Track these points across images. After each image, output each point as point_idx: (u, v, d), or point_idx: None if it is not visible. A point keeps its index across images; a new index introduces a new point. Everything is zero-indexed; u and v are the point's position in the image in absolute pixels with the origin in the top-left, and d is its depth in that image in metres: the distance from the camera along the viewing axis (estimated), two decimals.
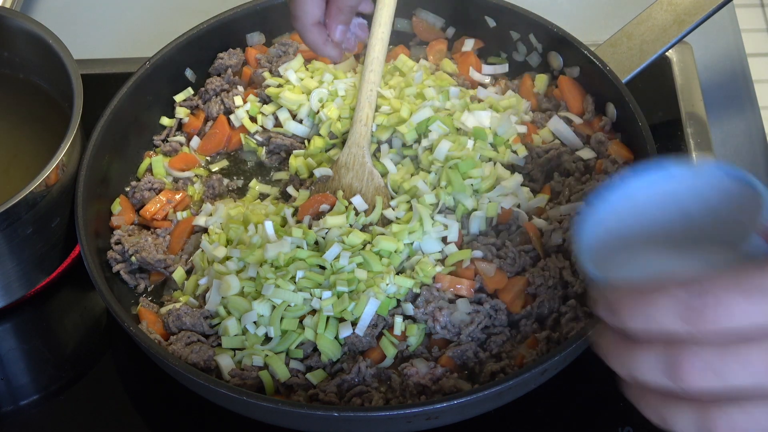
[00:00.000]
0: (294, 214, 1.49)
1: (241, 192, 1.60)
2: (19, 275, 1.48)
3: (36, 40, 1.55)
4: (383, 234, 1.42)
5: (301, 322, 1.37)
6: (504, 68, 1.67)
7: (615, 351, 0.75)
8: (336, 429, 1.31)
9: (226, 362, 1.36)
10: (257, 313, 1.36)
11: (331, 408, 1.27)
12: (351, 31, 1.49)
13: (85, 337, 1.53)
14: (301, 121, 1.62)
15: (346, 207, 1.47)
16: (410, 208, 1.46)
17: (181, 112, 1.66)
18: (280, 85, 1.64)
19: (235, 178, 1.62)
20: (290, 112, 1.63)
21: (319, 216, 1.47)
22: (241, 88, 1.68)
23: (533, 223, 1.46)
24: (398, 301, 1.39)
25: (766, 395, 0.67)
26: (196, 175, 1.61)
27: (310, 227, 1.45)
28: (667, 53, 1.64)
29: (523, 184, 1.50)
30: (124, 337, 1.39)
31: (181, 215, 1.54)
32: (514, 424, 1.38)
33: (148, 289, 1.49)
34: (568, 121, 1.56)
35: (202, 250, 1.47)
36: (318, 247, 1.43)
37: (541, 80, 1.63)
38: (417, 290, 1.39)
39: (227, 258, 1.43)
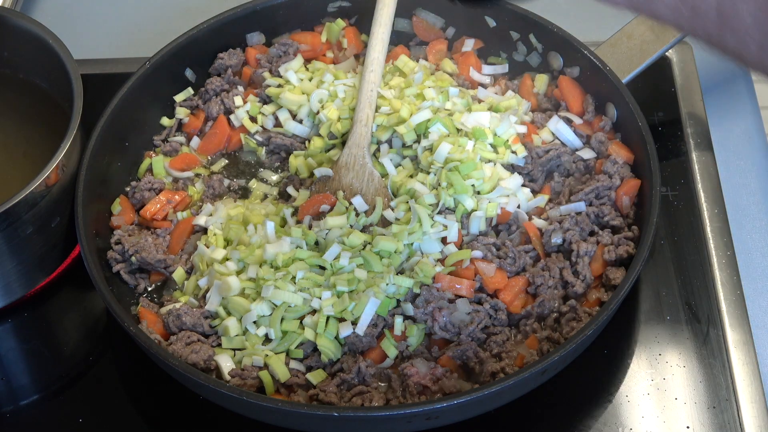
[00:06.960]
0: (294, 214, 1.49)
1: (242, 192, 1.60)
2: (19, 275, 1.48)
3: (36, 40, 1.55)
4: (383, 234, 1.42)
5: (301, 322, 1.37)
6: (504, 68, 1.67)
7: None
8: (336, 429, 1.31)
9: (226, 362, 1.35)
10: (257, 313, 1.36)
11: (331, 408, 1.27)
12: None
13: (85, 337, 1.53)
14: (301, 122, 1.62)
15: (347, 207, 1.47)
16: (410, 209, 1.46)
17: (181, 112, 1.65)
18: (280, 86, 1.64)
19: (235, 178, 1.61)
20: (290, 112, 1.63)
21: (319, 216, 1.47)
22: (241, 88, 1.67)
23: (533, 223, 1.46)
24: (398, 301, 1.39)
25: None
26: (196, 175, 1.61)
27: (310, 227, 1.45)
28: (667, 53, 1.64)
29: (523, 185, 1.50)
30: (124, 337, 1.39)
31: (181, 215, 1.54)
32: (514, 424, 1.38)
33: (148, 289, 1.49)
34: (568, 121, 1.56)
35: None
36: (318, 247, 1.43)
37: (541, 80, 1.63)
38: (417, 290, 1.39)
39: (227, 258, 1.43)
